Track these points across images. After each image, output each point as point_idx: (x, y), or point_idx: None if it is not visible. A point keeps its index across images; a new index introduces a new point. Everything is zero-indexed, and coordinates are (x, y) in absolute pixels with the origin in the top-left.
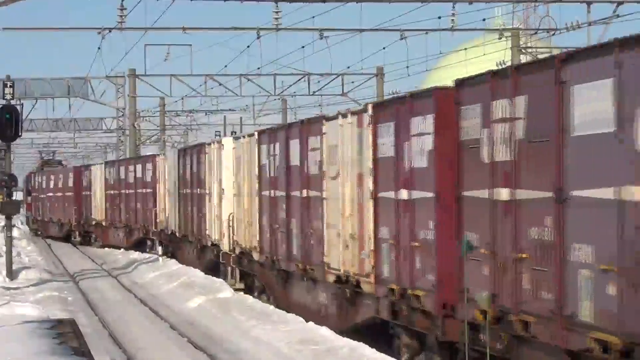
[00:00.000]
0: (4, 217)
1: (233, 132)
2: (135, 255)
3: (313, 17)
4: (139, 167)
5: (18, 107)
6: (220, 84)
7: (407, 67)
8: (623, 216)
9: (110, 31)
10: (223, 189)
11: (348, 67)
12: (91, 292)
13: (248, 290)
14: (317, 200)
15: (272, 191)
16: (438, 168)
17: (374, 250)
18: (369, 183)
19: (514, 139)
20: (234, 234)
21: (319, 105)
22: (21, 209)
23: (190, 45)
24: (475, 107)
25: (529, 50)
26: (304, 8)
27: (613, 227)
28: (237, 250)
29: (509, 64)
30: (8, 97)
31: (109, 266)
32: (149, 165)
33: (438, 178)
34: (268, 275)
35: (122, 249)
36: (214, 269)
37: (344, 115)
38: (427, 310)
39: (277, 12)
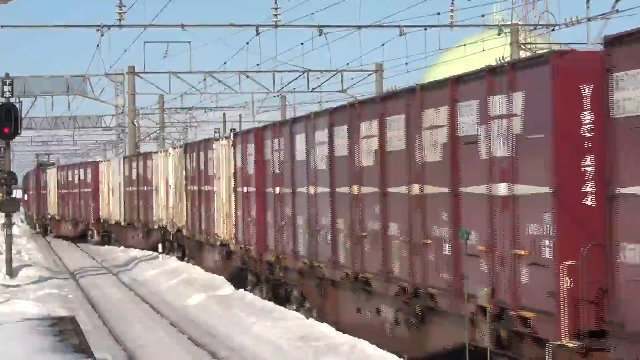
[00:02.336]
0: (3, 215)
1: (232, 129)
2: (135, 252)
3: (312, 13)
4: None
5: (17, 105)
6: (219, 81)
7: (407, 63)
8: None
9: (109, 28)
10: (170, 185)
11: (347, 64)
12: (91, 289)
13: (183, 256)
14: (211, 193)
15: (193, 186)
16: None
17: (234, 224)
18: (231, 182)
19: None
20: (172, 217)
21: (319, 102)
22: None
23: (189, 42)
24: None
25: (529, 46)
26: (303, 4)
27: None
28: (175, 229)
29: (508, 59)
30: (7, 94)
31: (109, 263)
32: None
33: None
34: (191, 242)
35: (121, 247)
36: (156, 247)
37: (221, 139)
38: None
39: (276, 9)
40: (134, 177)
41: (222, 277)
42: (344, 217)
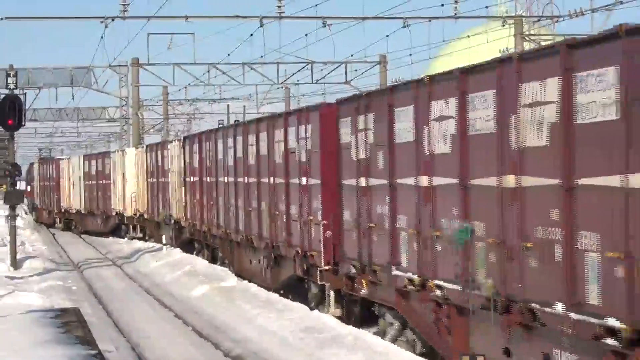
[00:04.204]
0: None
1: (236, 121)
2: (139, 244)
3: (316, 5)
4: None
5: (21, 97)
6: (223, 73)
7: (410, 54)
8: None
9: (113, 20)
10: (126, 179)
11: (351, 55)
12: (95, 281)
13: (144, 236)
14: (166, 184)
15: (152, 179)
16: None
17: (184, 206)
18: (182, 174)
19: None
20: (136, 204)
21: (322, 93)
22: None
23: (193, 34)
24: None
25: (532, 37)
26: None
27: None
28: (138, 214)
29: (512, 51)
30: (11, 86)
31: (113, 255)
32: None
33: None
34: (151, 224)
35: (125, 239)
36: (116, 230)
37: (174, 141)
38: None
39: (280, 0)
40: (93, 172)
41: (225, 269)
42: (241, 198)
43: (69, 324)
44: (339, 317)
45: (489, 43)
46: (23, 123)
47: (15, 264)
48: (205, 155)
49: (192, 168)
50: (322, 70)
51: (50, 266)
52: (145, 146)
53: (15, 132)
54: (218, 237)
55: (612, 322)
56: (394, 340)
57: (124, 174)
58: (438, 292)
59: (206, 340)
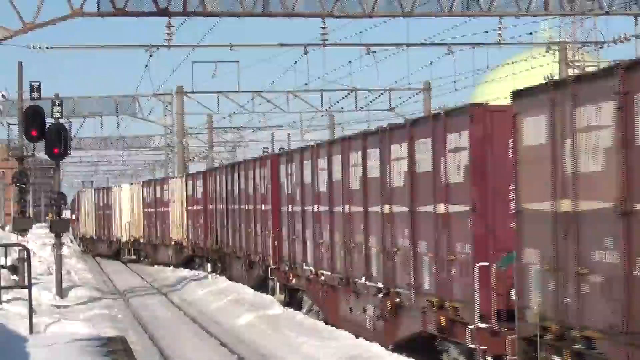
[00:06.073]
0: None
1: (281, 149)
2: (184, 272)
3: (360, 32)
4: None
5: (67, 126)
6: (267, 100)
7: (455, 81)
8: None
9: (158, 48)
10: (122, 210)
11: (395, 82)
12: (141, 309)
13: (139, 258)
14: (166, 213)
15: (151, 209)
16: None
17: (186, 229)
18: (184, 203)
19: None
20: (129, 231)
21: (367, 121)
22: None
23: (238, 61)
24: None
25: (577, 63)
26: (351, 24)
27: None
28: (132, 239)
29: (556, 77)
30: (57, 115)
31: (159, 284)
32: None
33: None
34: (149, 247)
35: (171, 267)
36: (117, 254)
37: (175, 177)
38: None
39: (324, 28)
40: (101, 204)
41: (271, 297)
42: (230, 220)
43: (115, 352)
44: (281, 301)
45: (533, 69)
46: (68, 152)
47: (61, 292)
48: (209, 188)
49: (195, 198)
50: (366, 97)
51: (96, 295)
52: (141, 182)
53: (60, 161)
54: (214, 251)
55: None
56: (307, 313)
57: (120, 206)
58: (322, 278)
59: None
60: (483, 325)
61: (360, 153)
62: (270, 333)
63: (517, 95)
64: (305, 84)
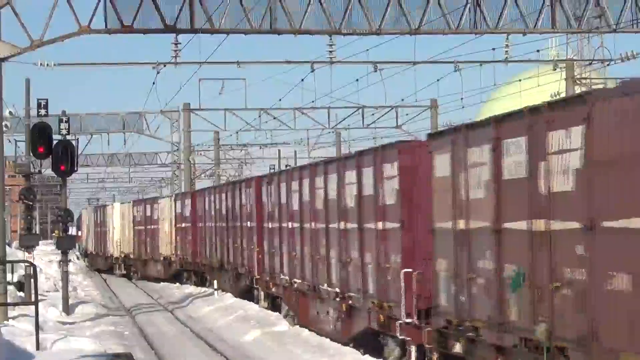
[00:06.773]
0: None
1: (287, 166)
2: (190, 289)
3: (367, 50)
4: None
5: (73, 142)
6: (274, 118)
7: (462, 98)
8: None
9: (164, 66)
10: (114, 227)
11: (402, 100)
12: (147, 326)
13: (129, 273)
14: (156, 230)
15: (141, 227)
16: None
17: (175, 245)
18: (173, 221)
19: None
20: (120, 247)
21: (374, 138)
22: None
23: (245, 79)
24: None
25: (584, 81)
26: (357, 41)
27: None
28: (122, 255)
29: (563, 94)
30: (63, 132)
31: (165, 300)
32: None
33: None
34: (139, 262)
35: (177, 284)
36: (110, 269)
37: (164, 197)
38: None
39: (331, 45)
40: (98, 221)
41: (277, 314)
42: (219, 236)
43: None
44: (265, 307)
45: (540, 87)
46: (75, 169)
47: (68, 309)
48: (198, 207)
49: (183, 216)
50: (373, 114)
51: (102, 311)
52: (131, 201)
53: (67, 178)
54: (204, 265)
55: None
56: (285, 316)
57: (112, 224)
58: (295, 286)
59: None
60: (408, 321)
61: (323, 178)
62: (277, 350)
63: (431, 136)
64: (312, 101)
